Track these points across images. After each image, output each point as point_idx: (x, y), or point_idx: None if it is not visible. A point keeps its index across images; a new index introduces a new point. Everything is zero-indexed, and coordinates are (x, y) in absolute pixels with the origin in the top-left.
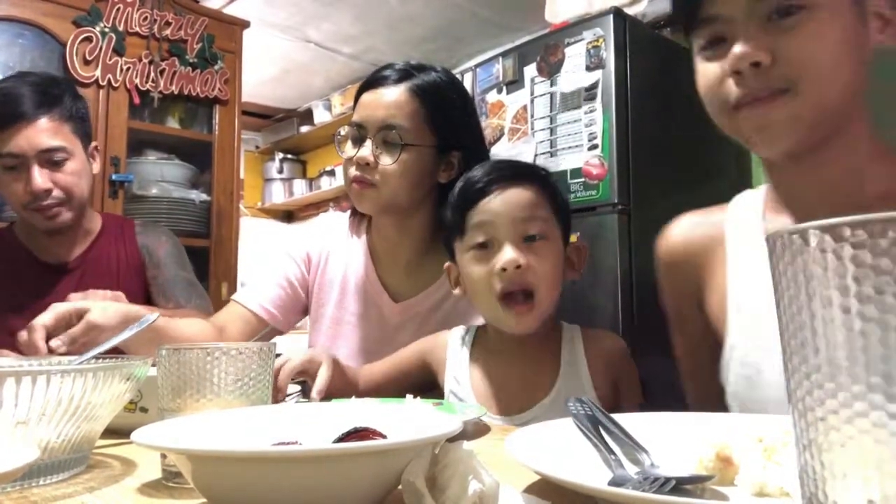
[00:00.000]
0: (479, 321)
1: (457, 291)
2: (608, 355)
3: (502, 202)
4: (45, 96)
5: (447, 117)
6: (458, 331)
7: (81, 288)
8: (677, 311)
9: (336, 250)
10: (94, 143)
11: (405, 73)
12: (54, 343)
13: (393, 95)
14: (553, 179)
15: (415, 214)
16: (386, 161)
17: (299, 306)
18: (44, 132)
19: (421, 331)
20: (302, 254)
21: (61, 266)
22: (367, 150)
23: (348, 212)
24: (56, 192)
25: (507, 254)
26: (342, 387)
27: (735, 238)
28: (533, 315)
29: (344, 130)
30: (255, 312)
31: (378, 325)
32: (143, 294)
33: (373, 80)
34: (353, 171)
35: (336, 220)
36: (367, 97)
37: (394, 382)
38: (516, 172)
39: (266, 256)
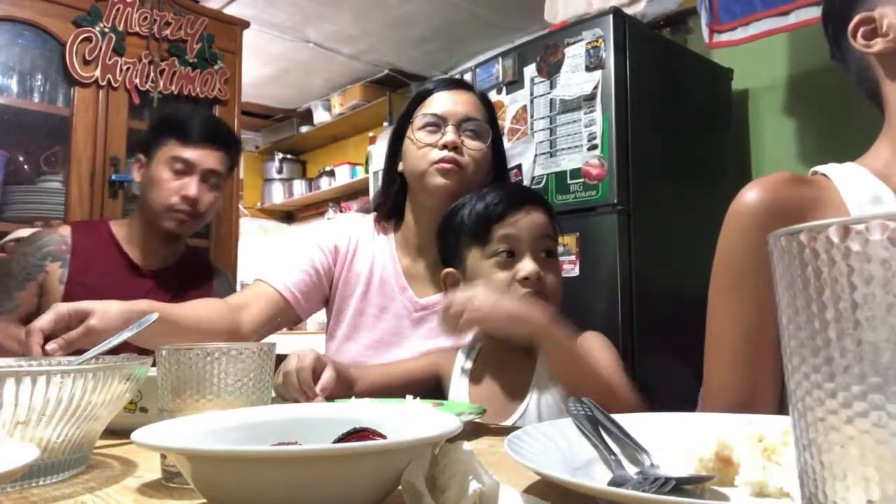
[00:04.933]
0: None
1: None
2: None
3: (528, 220)
4: (228, 138)
5: (496, 127)
6: (465, 349)
7: (152, 296)
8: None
9: (363, 245)
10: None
11: (467, 84)
12: (50, 347)
13: (469, 97)
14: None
15: None
16: (475, 145)
17: (321, 296)
18: (216, 158)
19: (440, 327)
20: (330, 245)
21: (147, 271)
22: (453, 136)
23: (371, 214)
24: (198, 206)
25: (529, 265)
26: (339, 389)
27: (856, 198)
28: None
29: (421, 120)
30: (279, 292)
31: (399, 319)
32: None
33: (440, 84)
34: (434, 154)
35: (361, 219)
36: (442, 95)
37: (399, 387)
38: (536, 198)
39: (291, 247)
